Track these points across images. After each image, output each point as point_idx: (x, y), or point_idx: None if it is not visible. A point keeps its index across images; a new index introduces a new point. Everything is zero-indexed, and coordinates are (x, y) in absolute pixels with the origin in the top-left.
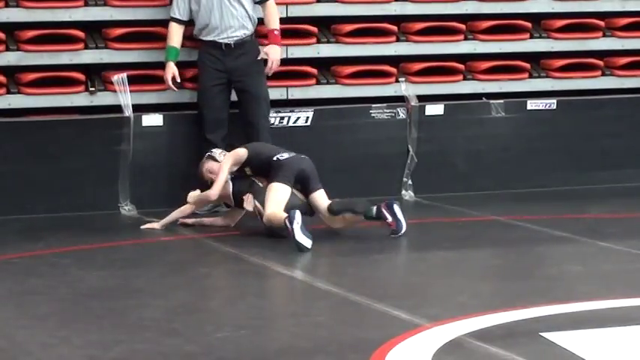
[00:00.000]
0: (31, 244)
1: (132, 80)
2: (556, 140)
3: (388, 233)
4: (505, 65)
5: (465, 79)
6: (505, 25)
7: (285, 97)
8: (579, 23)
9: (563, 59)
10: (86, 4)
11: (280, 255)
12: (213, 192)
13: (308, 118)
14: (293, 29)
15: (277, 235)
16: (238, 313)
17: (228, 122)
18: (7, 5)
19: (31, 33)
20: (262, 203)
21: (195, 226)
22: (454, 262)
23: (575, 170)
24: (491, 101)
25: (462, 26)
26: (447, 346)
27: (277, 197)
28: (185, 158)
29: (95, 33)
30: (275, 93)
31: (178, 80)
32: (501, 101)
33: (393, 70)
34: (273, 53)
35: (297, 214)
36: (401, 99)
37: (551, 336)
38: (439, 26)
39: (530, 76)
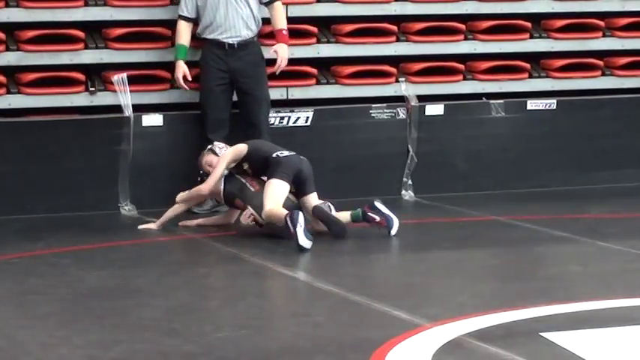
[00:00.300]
0: (31, 244)
1: (132, 80)
2: (556, 140)
3: (384, 234)
4: (505, 65)
5: (465, 79)
6: (505, 25)
7: (285, 97)
8: (579, 23)
9: (563, 59)
10: (86, 4)
11: (280, 255)
12: (206, 187)
13: (308, 118)
14: (293, 29)
15: (277, 235)
16: (238, 313)
17: (230, 122)
18: (7, 5)
19: (31, 33)
20: (255, 208)
21: (197, 227)
22: (454, 262)
23: (575, 170)
24: (491, 101)
25: (462, 26)
26: (447, 346)
27: (276, 193)
28: (185, 158)
29: (95, 33)
30: (275, 93)
31: (189, 79)
32: (501, 101)
33: (393, 70)
34: (282, 51)
35: (300, 217)
36: (401, 99)
37: (551, 336)
38: (439, 26)
39: (530, 76)
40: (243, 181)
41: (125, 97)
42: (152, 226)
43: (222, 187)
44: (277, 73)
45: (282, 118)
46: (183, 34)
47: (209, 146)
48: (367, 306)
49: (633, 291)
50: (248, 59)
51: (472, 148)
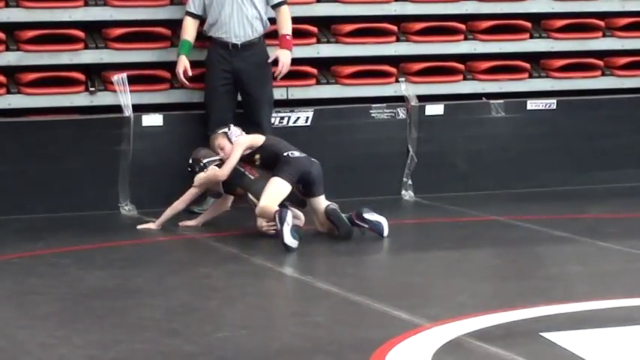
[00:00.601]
0: (31, 244)
1: (132, 80)
2: (556, 140)
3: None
4: (505, 65)
5: (465, 79)
6: (505, 25)
7: (285, 97)
8: (579, 23)
9: (563, 59)
10: (86, 4)
11: (280, 255)
12: (224, 172)
13: (308, 118)
14: (293, 29)
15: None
16: (238, 313)
17: (233, 122)
18: (7, 5)
19: (31, 33)
20: (255, 194)
21: (198, 225)
22: (454, 262)
23: (575, 170)
24: (491, 101)
25: (462, 26)
26: (447, 346)
27: (275, 192)
28: (185, 158)
29: (95, 33)
30: (275, 93)
31: (190, 74)
32: (501, 101)
33: (393, 70)
34: (284, 57)
35: (289, 215)
36: (401, 99)
37: (551, 336)
38: (439, 26)
39: (530, 76)
40: (242, 170)
41: (125, 97)
42: (152, 226)
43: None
44: (278, 78)
45: (282, 118)
46: (189, 30)
47: (224, 129)
48: (367, 306)
49: (633, 291)
50: (252, 60)
51: (472, 148)
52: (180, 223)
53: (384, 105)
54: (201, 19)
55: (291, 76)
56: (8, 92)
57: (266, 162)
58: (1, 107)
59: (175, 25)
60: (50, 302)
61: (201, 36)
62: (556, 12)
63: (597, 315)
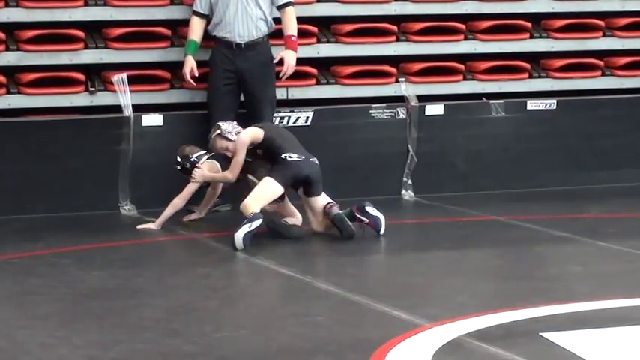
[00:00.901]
0: (31, 244)
1: (132, 80)
2: (556, 140)
3: (374, 234)
4: (505, 65)
5: (464, 79)
6: (505, 25)
7: (285, 97)
8: (579, 23)
9: (563, 59)
10: (86, 4)
11: (280, 255)
12: (232, 174)
13: (308, 118)
14: None
15: (278, 234)
16: (238, 313)
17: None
18: (7, 5)
19: (30, 33)
20: (255, 174)
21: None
22: (454, 262)
23: (575, 170)
24: (491, 101)
25: (462, 26)
26: (447, 346)
27: (263, 194)
28: None
29: (95, 33)
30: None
31: (196, 74)
32: (501, 101)
33: (393, 70)
34: (289, 58)
35: (258, 222)
36: (401, 99)
37: (551, 336)
38: (439, 26)
39: (530, 76)
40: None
41: (125, 97)
42: (151, 226)
43: (217, 167)
44: (283, 79)
45: (282, 118)
46: (196, 29)
47: (217, 131)
48: (367, 306)
49: (633, 291)
50: (256, 59)
51: (472, 148)
52: (184, 218)
53: (384, 105)
54: (208, 19)
55: (291, 76)
56: (8, 92)
57: (267, 158)
58: (1, 107)
59: (175, 25)
60: (50, 302)
61: (206, 36)
62: (556, 12)
63: (597, 315)
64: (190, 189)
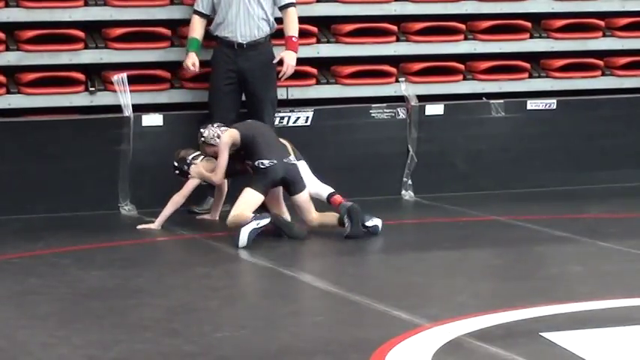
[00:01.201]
0: (31, 244)
1: (132, 80)
2: (556, 140)
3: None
4: (505, 65)
5: (464, 79)
6: (505, 25)
7: (285, 97)
8: (579, 23)
9: (563, 59)
10: (86, 4)
11: (280, 255)
12: (218, 178)
13: (308, 118)
14: None
15: (279, 234)
16: (238, 313)
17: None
18: (7, 5)
19: (30, 33)
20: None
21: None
22: (454, 262)
23: (575, 170)
24: (491, 101)
25: (462, 26)
26: (447, 346)
27: (245, 204)
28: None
29: (95, 33)
30: None
31: (197, 69)
32: (501, 101)
33: (393, 70)
34: (289, 58)
35: (265, 221)
36: (401, 99)
37: (551, 336)
38: (439, 26)
39: (530, 76)
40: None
41: (125, 97)
42: (152, 226)
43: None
44: (282, 79)
45: (282, 118)
46: (197, 28)
47: (201, 139)
48: (367, 306)
49: (633, 291)
50: (258, 59)
51: (472, 148)
52: (197, 217)
53: (384, 105)
54: (209, 19)
55: (291, 76)
56: (8, 92)
57: (247, 159)
58: (1, 107)
59: (175, 25)
60: (50, 302)
61: (208, 36)
62: (556, 12)
63: (597, 315)
64: (190, 185)
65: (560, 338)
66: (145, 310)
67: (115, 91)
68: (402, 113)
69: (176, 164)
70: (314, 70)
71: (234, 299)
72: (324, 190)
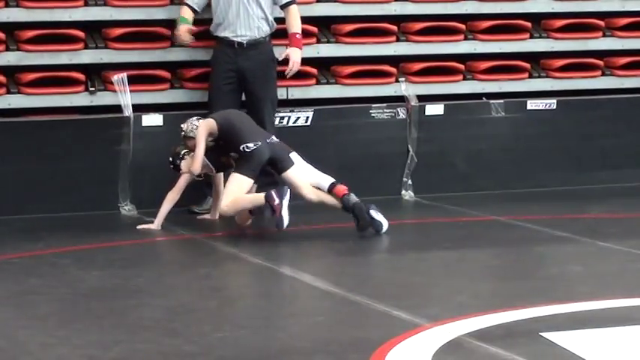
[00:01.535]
0: (31, 244)
1: (132, 80)
2: (556, 140)
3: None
4: (505, 65)
5: (464, 79)
6: (505, 25)
7: (285, 97)
8: (579, 23)
9: (563, 59)
10: (86, 4)
11: (280, 255)
12: (195, 167)
13: (308, 118)
14: None
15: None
16: (238, 313)
17: None
18: (7, 5)
19: (30, 33)
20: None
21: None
22: (454, 262)
23: (575, 170)
24: (491, 101)
25: (462, 26)
26: (447, 346)
27: (236, 189)
28: None
29: (95, 33)
30: None
31: (194, 29)
32: (501, 101)
33: (393, 70)
34: (294, 55)
35: (288, 193)
36: (401, 99)
37: (551, 336)
38: (439, 26)
39: (530, 76)
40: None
41: (125, 97)
42: (152, 226)
43: (206, 161)
44: (288, 76)
45: (282, 118)
46: (185, 13)
47: (182, 133)
48: (367, 306)
49: (633, 291)
50: (257, 59)
51: (472, 148)
52: (197, 217)
53: (384, 105)
54: (197, 13)
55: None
56: (8, 92)
57: (228, 149)
58: (1, 107)
59: (175, 25)
60: (50, 302)
61: (208, 36)
62: (556, 12)
63: (597, 315)
64: (182, 181)
65: (560, 338)
66: (145, 310)
67: (115, 91)
68: (402, 113)
69: (171, 159)
70: (314, 70)
71: (234, 299)
72: (325, 180)
